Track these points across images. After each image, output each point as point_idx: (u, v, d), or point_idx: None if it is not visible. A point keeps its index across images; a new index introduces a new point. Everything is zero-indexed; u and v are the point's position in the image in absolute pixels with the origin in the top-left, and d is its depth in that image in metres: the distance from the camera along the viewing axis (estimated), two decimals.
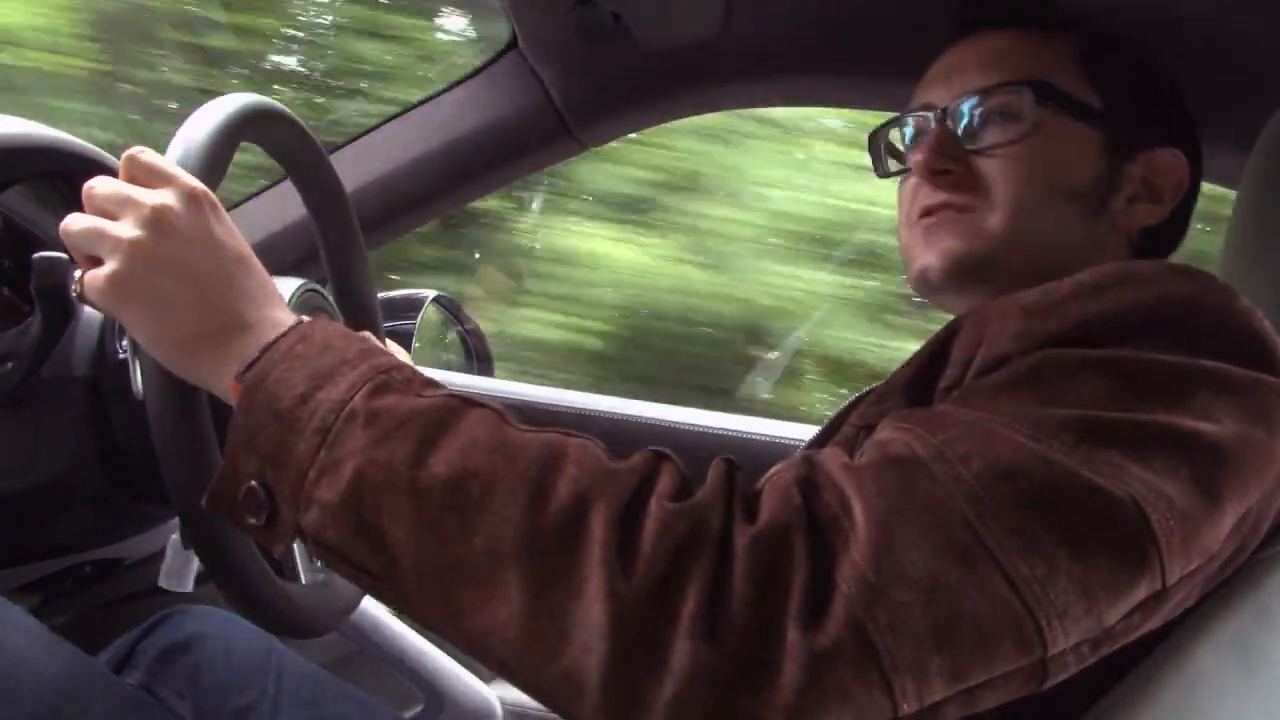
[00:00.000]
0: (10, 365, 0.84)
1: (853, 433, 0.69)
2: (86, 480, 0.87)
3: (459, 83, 1.32)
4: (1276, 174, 0.76)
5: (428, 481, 0.54)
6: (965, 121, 0.79)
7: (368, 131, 1.36)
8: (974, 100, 0.78)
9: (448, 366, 1.48)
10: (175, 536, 1.13)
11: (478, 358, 1.49)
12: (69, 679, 0.76)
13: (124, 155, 0.66)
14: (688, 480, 0.55)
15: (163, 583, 0.93)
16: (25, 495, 0.86)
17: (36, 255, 0.80)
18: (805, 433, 1.36)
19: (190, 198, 0.64)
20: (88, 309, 0.89)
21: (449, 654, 1.31)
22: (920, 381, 0.66)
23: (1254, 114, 0.79)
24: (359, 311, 0.98)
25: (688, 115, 1.37)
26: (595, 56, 1.21)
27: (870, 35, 1.11)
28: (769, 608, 0.48)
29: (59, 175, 0.95)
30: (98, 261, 0.63)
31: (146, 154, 0.65)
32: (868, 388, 0.75)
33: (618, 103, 1.28)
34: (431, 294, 1.35)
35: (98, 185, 0.64)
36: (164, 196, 0.63)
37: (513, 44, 1.27)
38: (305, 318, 0.63)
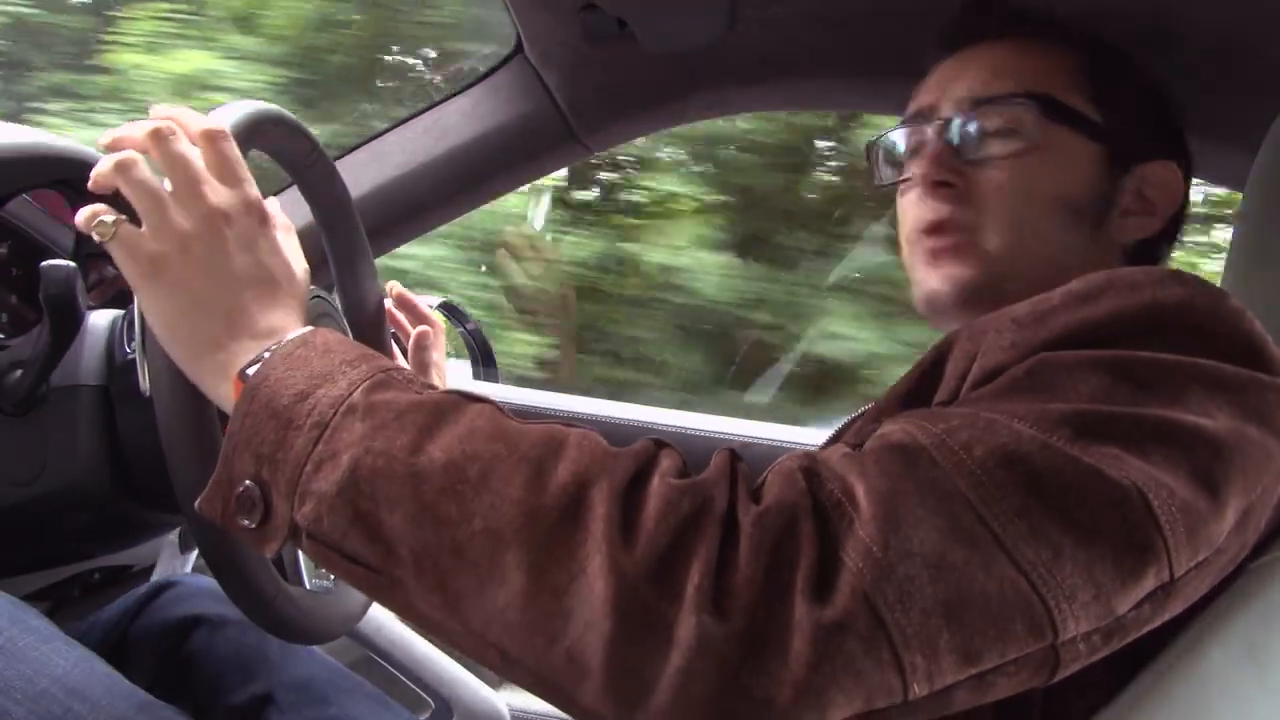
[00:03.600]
0: (19, 373, 0.84)
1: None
2: (95, 488, 0.87)
3: (464, 89, 1.33)
4: None
5: (425, 466, 0.53)
6: (966, 133, 0.78)
7: (373, 138, 1.36)
8: (976, 112, 0.78)
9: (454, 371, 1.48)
10: (172, 537, 1.13)
11: (483, 361, 1.49)
12: (79, 679, 0.76)
13: (204, 129, 0.66)
14: (687, 466, 0.55)
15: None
16: (34, 503, 0.86)
17: (45, 263, 0.80)
18: (808, 436, 1.37)
19: (249, 208, 0.65)
20: (94, 317, 0.89)
21: (457, 660, 1.31)
22: (915, 397, 0.66)
23: (1259, 115, 0.79)
24: (365, 317, 0.99)
25: (694, 119, 1.37)
26: (600, 61, 1.21)
27: (877, 37, 1.11)
28: (776, 583, 0.48)
29: (67, 184, 0.95)
30: (134, 215, 0.64)
31: (230, 144, 0.66)
32: (864, 407, 0.75)
33: (623, 107, 1.29)
34: (437, 299, 1.35)
35: (173, 142, 0.65)
36: (228, 200, 0.65)
37: (518, 49, 1.27)
38: (310, 327, 0.64)
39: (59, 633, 0.80)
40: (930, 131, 0.80)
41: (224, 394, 0.62)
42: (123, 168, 0.64)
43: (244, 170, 0.67)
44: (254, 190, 0.66)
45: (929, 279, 0.79)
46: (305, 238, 1.31)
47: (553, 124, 1.30)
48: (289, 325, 0.64)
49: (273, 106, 0.80)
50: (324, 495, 0.55)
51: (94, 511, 0.88)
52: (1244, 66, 0.91)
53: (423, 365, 0.99)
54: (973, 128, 0.78)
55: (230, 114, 0.74)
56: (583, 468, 0.52)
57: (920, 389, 0.66)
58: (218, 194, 0.64)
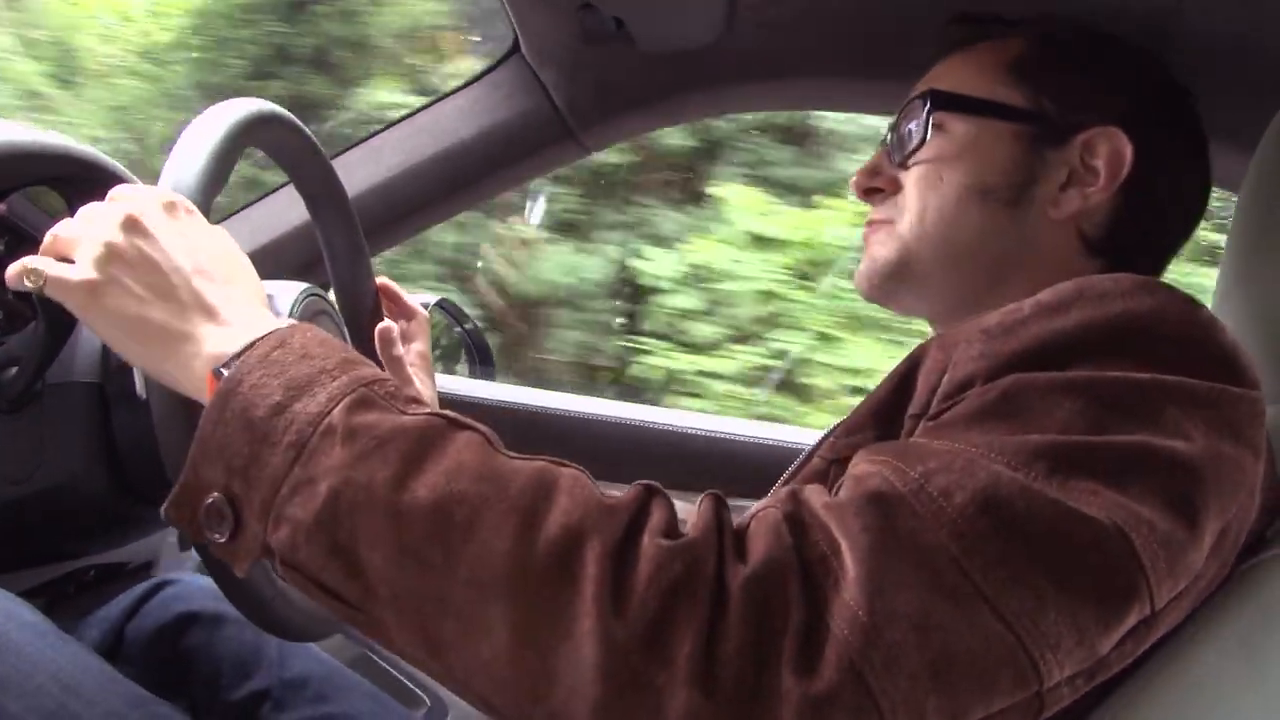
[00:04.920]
0: (14, 371, 0.84)
1: (823, 466, 0.69)
2: (90, 485, 0.87)
3: (462, 88, 1.33)
4: (1277, 176, 0.76)
5: (409, 506, 0.52)
6: (892, 140, 0.84)
7: (371, 136, 1.36)
8: (898, 120, 0.83)
9: (451, 370, 1.48)
10: (171, 538, 1.13)
11: (480, 360, 1.49)
12: (75, 675, 0.76)
13: (109, 192, 0.68)
14: (675, 516, 0.54)
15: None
16: (29, 500, 0.86)
17: None
18: (808, 437, 1.37)
19: (164, 204, 0.65)
20: None
21: None
22: (888, 410, 0.66)
23: (1256, 116, 0.79)
24: (362, 315, 0.99)
25: (691, 119, 1.37)
26: (597, 61, 1.21)
27: (872, 38, 1.11)
28: (763, 653, 0.48)
29: (63, 181, 0.95)
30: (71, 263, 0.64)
31: (124, 186, 0.68)
32: (837, 421, 0.75)
33: (620, 107, 1.29)
34: (434, 298, 1.35)
35: (88, 205, 0.66)
36: (137, 205, 0.64)
37: (515, 49, 1.27)
38: (289, 319, 0.63)
39: (55, 629, 0.80)
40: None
41: (200, 389, 0.60)
42: (51, 237, 0.65)
43: (145, 187, 0.67)
44: (165, 191, 0.66)
45: (861, 264, 0.84)
46: (302, 236, 1.32)
47: (550, 123, 1.30)
48: (254, 312, 0.63)
49: (269, 104, 0.80)
50: (300, 523, 0.53)
51: (89, 508, 0.88)
52: (1241, 67, 0.91)
53: (391, 362, 0.97)
54: (897, 134, 0.83)
55: (226, 111, 0.74)
56: (574, 521, 0.51)
57: (893, 401, 0.66)
58: (123, 202, 0.65)
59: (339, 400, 0.55)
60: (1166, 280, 0.66)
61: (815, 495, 0.55)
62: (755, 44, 1.16)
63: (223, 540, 0.56)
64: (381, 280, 1.02)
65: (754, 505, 0.57)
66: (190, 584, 1.03)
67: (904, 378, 0.66)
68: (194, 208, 0.67)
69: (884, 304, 0.86)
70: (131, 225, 0.63)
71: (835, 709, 0.47)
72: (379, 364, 0.97)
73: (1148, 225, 0.79)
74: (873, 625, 0.48)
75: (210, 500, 0.56)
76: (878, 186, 0.84)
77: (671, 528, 0.52)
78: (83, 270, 0.63)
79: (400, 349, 0.97)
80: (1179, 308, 0.60)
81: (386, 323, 0.97)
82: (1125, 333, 0.59)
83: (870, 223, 0.84)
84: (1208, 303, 0.73)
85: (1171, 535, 0.53)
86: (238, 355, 0.58)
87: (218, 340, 0.60)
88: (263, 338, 0.59)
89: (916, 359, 0.66)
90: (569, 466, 0.55)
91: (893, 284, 0.82)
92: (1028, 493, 0.52)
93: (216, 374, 0.58)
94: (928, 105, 0.80)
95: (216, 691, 0.97)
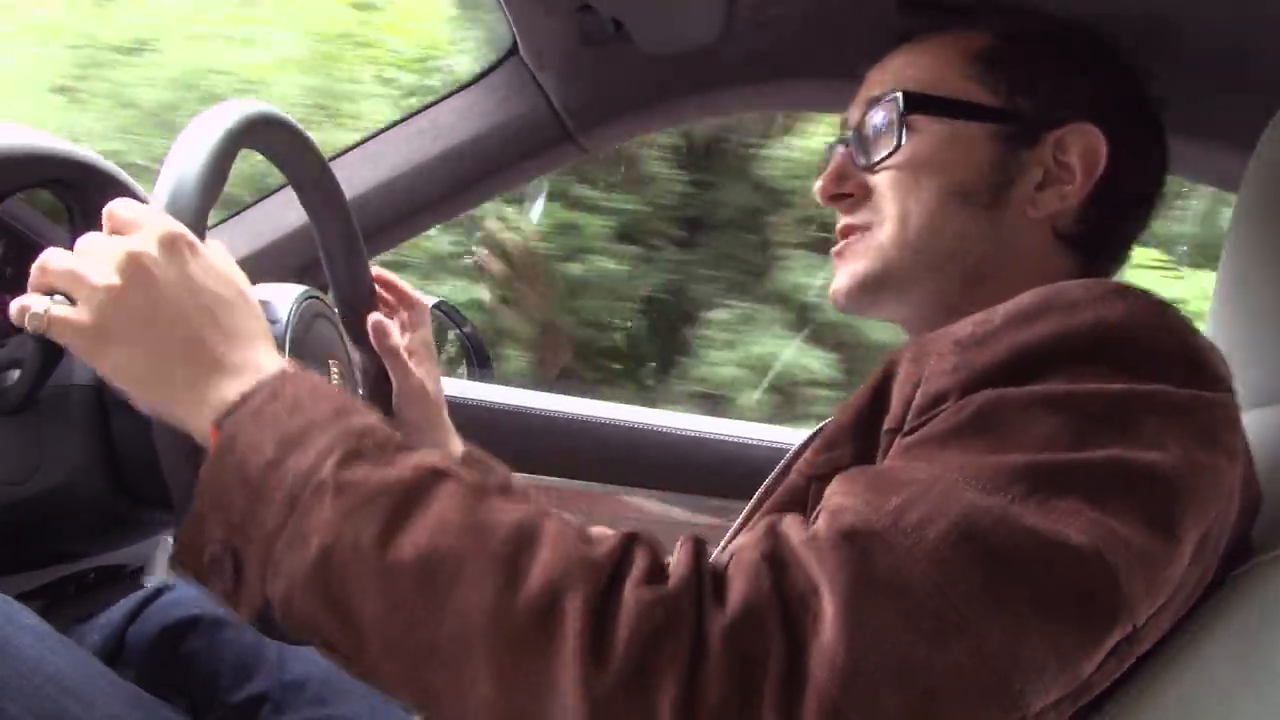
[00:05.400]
0: (17, 374, 0.84)
1: (802, 483, 0.68)
2: (90, 487, 0.86)
3: (460, 89, 1.33)
4: (1277, 175, 0.76)
5: (396, 562, 0.53)
6: (857, 141, 0.81)
7: (369, 138, 1.36)
8: (862, 119, 0.81)
9: (450, 372, 1.48)
10: (171, 540, 1.13)
11: (479, 362, 1.49)
12: (74, 678, 0.76)
13: (105, 209, 0.66)
14: (661, 561, 0.54)
15: (147, 581, 0.92)
16: (29, 502, 0.86)
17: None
18: (798, 437, 1.36)
19: (166, 242, 0.63)
20: None
21: None
22: (863, 424, 0.66)
23: (1255, 115, 0.79)
24: (360, 318, 0.98)
25: (690, 121, 1.37)
26: (596, 62, 1.21)
27: (871, 40, 1.11)
28: (746, 699, 0.48)
29: (62, 184, 0.95)
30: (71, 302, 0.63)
31: (124, 204, 0.66)
32: (814, 430, 0.75)
33: (619, 108, 1.29)
34: (432, 300, 1.35)
35: (85, 237, 0.65)
36: (138, 243, 0.63)
37: (513, 50, 1.27)
38: (284, 365, 0.62)
39: (54, 632, 0.80)
40: (840, 146, 0.83)
41: (206, 439, 0.61)
42: (40, 270, 0.64)
43: (147, 215, 0.65)
44: (168, 224, 0.65)
45: (835, 279, 0.82)
46: (300, 238, 1.32)
47: (548, 125, 1.30)
48: (255, 360, 0.63)
49: (266, 105, 0.80)
50: (295, 576, 0.55)
51: (89, 510, 0.88)
52: (1241, 67, 0.91)
53: (388, 353, 0.97)
54: (861, 135, 0.80)
55: (223, 114, 0.74)
56: (557, 574, 0.51)
57: (868, 414, 0.66)
58: (127, 241, 0.63)
59: (329, 455, 0.56)
60: None
61: (794, 530, 0.55)
62: (755, 45, 1.16)
63: (226, 590, 0.58)
64: (378, 271, 1.01)
65: (734, 540, 0.56)
66: (192, 588, 1.03)
67: (877, 390, 0.65)
68: (195, 239, 0.66)
69: (861, 314, 0.84)
70: (141, 266, 0.62)
71: None
72: (377, 358, 0.97)
73: (1120, 218, 0.79)
74: (851, 668, 0.48)
75: (213, 552, 0.57)
76: (846, 192, 0.81)
77: (655, 574, 0.52)
78: (87, 315, 0.62)
79: (396, 339, 0.96)
80: (1150, 313, 0.60)
81: (377, 316, 0.96)
82: (1098, 342, 0.59)
83: (844, 230, 0.82)
84: (1207, 303, 0.73)
85: (1149, 550, 0.53)
86: (232, 409, 0.59)
87: (220, 390, 0.61)
88: (255, 390, 0.60)
89: (889, 370, 0.65)
90: (552, 517, 0.55)
91: (871, 295, 0.80)
92: (1006, 520, 0.52)
93: (219, 425, 0.59)
94: (899, 107, 0.77)
95: (216, 694, 0.97)
